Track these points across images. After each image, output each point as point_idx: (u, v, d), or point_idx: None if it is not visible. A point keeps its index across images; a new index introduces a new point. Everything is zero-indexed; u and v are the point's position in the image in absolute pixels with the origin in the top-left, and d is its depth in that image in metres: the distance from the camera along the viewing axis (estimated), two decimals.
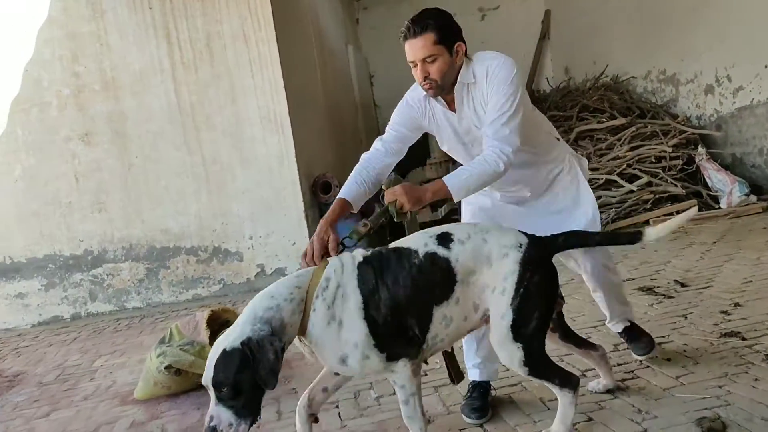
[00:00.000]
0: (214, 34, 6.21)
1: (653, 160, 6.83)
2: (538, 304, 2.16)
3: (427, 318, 2.13)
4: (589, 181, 6.95)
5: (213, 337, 3.44)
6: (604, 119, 7.49)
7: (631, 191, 6.51)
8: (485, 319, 2.22)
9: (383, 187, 2.59)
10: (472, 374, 2.71)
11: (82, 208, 6.32)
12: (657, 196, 6.50)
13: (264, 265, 6.28)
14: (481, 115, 2.41)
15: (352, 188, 2.46)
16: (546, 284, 2.20)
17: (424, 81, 2.39)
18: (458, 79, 2.41)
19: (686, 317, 3.36)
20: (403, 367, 2.12)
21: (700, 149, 6.84)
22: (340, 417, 2.85)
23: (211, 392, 1.98)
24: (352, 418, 2.81)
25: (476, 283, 2.17)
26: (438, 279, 2.13)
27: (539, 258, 2.20)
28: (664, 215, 6.23)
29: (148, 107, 6.27)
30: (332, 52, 8.78)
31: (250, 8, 6.15)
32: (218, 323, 3.55)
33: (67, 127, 6.31)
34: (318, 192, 6.48)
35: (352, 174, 2.50)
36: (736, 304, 3.40)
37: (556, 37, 10.61)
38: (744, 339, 2.90)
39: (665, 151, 6.78)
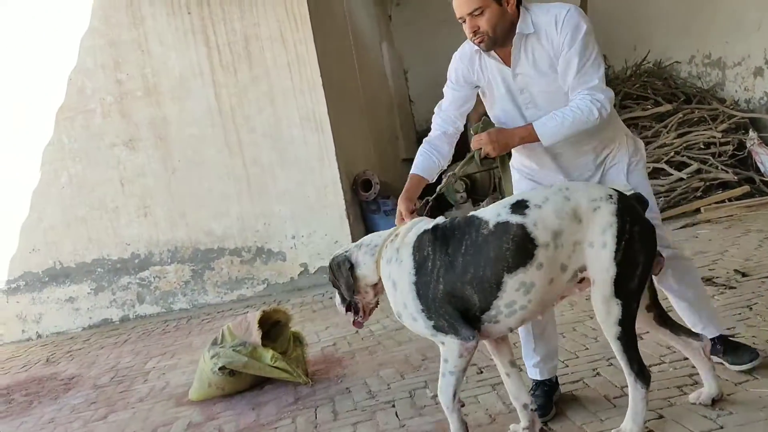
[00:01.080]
0: (252, 37, 6.23)
1: (702, 147, 6.63)
2: (640, 258, 2.07)
3: (495, 288, 2.09)
4: None
5: (265, 338, 3.45)
6: (649, 106, 7.29)
7: (681, 179, 6.33)
8: (577, 281, 2.13)
9: (471, 132, 2.47)
10: (532, 373, 2.63)
11: (128, 213, 6.42)
12: (707, 184, 6.31)
13: (307, 264, 6.28)
14: (543, 70, 2.30)
15: (422, 162, 2.49)
16: (647, 236, 2.10)
17: (475, 35, 2.31)
18: (516, 30, 2.29)
19: (751, 308, 3.23)
20: (452, 341, 2.13)
21: (751, 134, 6.61)
22: (397, 416, 2.81)
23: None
24: (410, 418, 2.77)
25: (565, 244, 2.06)
26: (511, 247, 2.07)
27: (635, 209, 2.11)
28: (716, 203, 6.05)
29: (190, 111, 6.33)
30: (367, 50, 8.75)
31: (287, 10, 6.15)
32: (269, 324, 3.55)
33: (112, 133, 6.41)
34: (359, 190, 6.46)
35: (420, 150, 2.52)
36: None
37: (594, 22, 10.35)
38: None
39: (714, 137, 6.58)
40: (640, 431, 2.13)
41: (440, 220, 2.28)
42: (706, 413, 2.25)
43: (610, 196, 2.09)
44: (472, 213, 2.24)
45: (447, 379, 2.17)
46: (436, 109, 2.57)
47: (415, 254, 2.18)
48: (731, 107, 7.03)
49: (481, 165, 2.42)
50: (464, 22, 2.31)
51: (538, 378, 2.61)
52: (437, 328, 2.14)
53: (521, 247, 2.07)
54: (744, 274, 3.81)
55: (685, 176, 6.34)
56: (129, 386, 4.09)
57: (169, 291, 6.43)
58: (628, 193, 2.16)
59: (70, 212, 6.47)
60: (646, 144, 6.90)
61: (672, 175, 6.44)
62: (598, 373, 2.79)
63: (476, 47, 2.36)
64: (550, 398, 2.55)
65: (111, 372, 4.53)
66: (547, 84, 2.33)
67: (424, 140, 2.56)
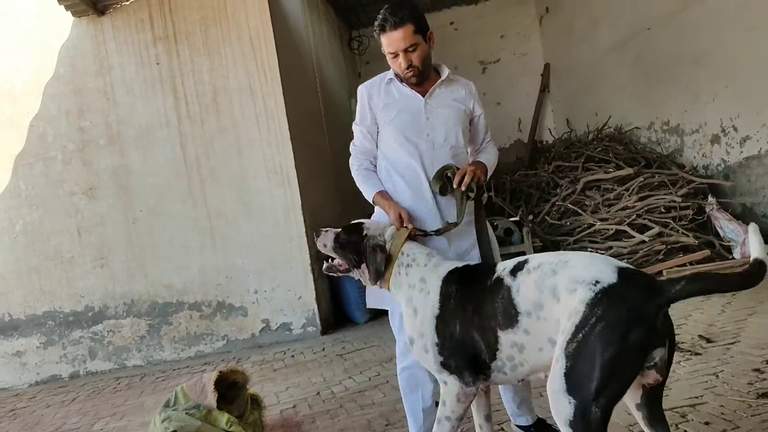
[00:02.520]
0: (221, 89, 6.22)
1: (663, 210, 6.76)
2: (599, 358, 1.77)
3: (494, 340, 2.10)
4: (598, 231, 6.95)
5: (221, 400, 3.29)
6: (611, 169, 7.45)
7: (643, 242, 6.41)
8: None
9: (448, 174, 2.57)
10: (520, 422, 2.77)
11: (83, 264, 6.21)
12: (669, 247, 6.40)
13: (269, 320, 6.12)
14: (451, 107, 2.67)
15: (377, 180, 2.71)
16: (616, 337, 1.77)
17: (408, 69, 2.58)
18: (443, 74, 2.68)
19: (717, 375, 3.21)
20: (453, 383, 2.18)
21: (710, 199, 6.77)
22: None
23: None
24: None
25: (549, 319, 1.95)
26: (500, 306, 2.07)
27: (619, 302, 1.80)
28: (678, 266, 6.12)
29: (154, 161, 6.23)
30: (336, 105, 8.82)
31: (257, 63, 6.17)
32: (226, 385, 3.39)
33: (71, 181, 6.26)
34: None
35: (365, 174, 2.72)
36: None
37: (556, 89, 10.71)
38: None
39: (675, 201, 6.72)
40: None
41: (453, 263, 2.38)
42: None
43: (596, 282, 1.85)
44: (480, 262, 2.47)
45: (443, 425, 2.22)
46: (353, 151, 2.78)
47: (443, 289, 2.25)
48: (690, 173, 7.22)
49: (475, 196, 2.57)
50: (395, 57, 2.58)
51: (526, 424, 2.76)
52: (445, 365, 2.21)
53: (507, 309, 2.04)
54: (708, 340, 3.82)
55: (647, 239, 6.43)
56: None
57: (123, 346, 6.18)
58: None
59: (23, 261, 6.23)
60: (609, 206, 7.05)
61: (634, 237, 6.53)
62: None
63: (391, 77, 2.69)
64: None
65: None
66: (449, 117, 2.66)
67: (358, 167, 2.74)
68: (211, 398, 3.24)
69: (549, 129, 10.57)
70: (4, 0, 6.31)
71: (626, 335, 1.77)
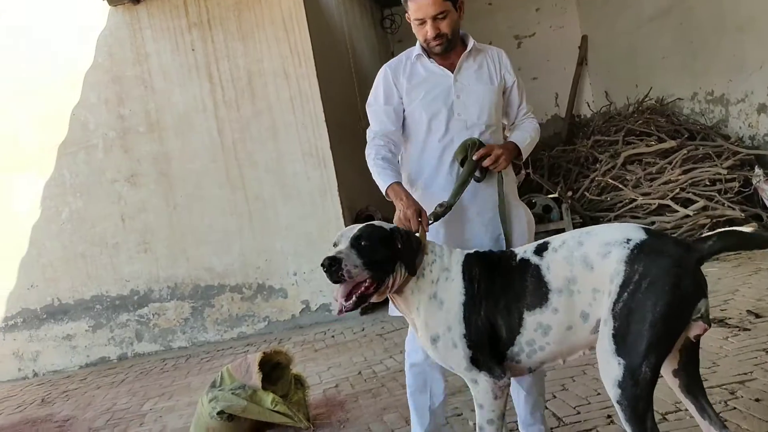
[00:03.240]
0: (255, 73, 6.24)
1: (707, 183, 6.57)
2: (650, 314, 1.80)
3: (517, 323, 2.06)
4: (640, 206, 6.80)
5: (265, 381, 3.35)
6: (653, 142, 7.26)
7: (687, 216, 6.26)
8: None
9: (469, 148, 2.44)
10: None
11: (128, 249, 6.35)
12: (714, 221, 6.22)
13: (309, 301, 6.19)
14: (483, 82, 2.51)
15: (395, 170, 2.46)
16: (666, 290, 1.80)
17: (436, 38, 2.43)
18: (469, 45, 2.52)
19: (767, 351, 3.13)
20: (485, 380, 2.07)
21: (757, 170, 6.55)
22: None
23: (344, 243, 2.14)
24: None
25: (583, 291, 1.96)
26: (529, 285, 2.05)
27: (657, 256, 1.84)
28: None
29: (192, 147, 6.31)
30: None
31: (291, 46, 6.17)
32: (270, 365, 3.45)
33: (113, 168, 6.38)
34: None
35: (381, 165, 2.45)
36: None
37: (594, 61, 10.45)
38: None
39: (720, 174, 6.52)
40: None
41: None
42: None
43: (628, 240, 1.91)
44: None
45: (486, 430, 2.09)
46: (369, 138, 2.58)
47: (465, 274, 2.14)
48: (736, 144, 6.99)
49: (480, 178, 2.45)
50: (422, 23, 2.43)
51: None
52: (474, 361, 2.08)
53: (537, 288, 2.03)
54: (758, 315, 3.72)
55: (691, 213, 6.27)
56: (125, 430, 3.96)
57: (168, 328, 6.33)
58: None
59: (70, 248, 6.40)
60: (651, 180, 6.88)
61: (678, 212, 6.37)
62: (612, 421, 2.69)
63: (418, 53, 2.52)
64: None
65: (107, 414, 4.40)
66: (480, 93, 2.50)
67: (375, 156, 2.49)
68: (256, 378, 3.31)
69: (587, 103, 10.35)
70: None
71: (676, 285, 1.82)
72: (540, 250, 2.09)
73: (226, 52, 6.27)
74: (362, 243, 2.11)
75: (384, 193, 2.43)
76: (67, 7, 6.36)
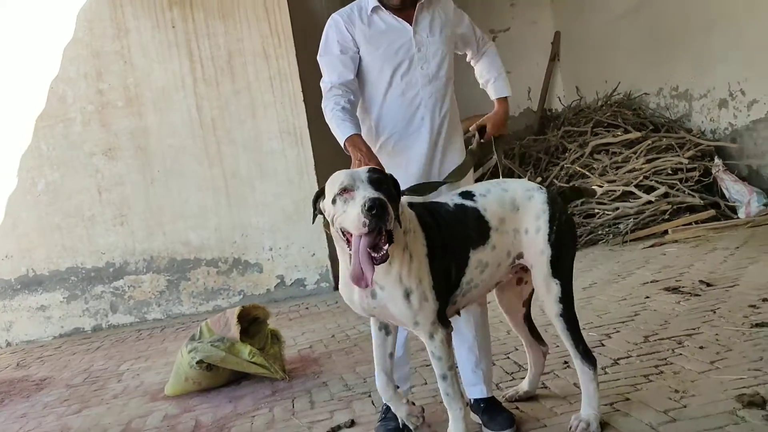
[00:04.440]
0: (236, 52, 6.35)
1: (670, 172, 6.86)
2: (570, 242, 2.30)
3: (464, 262, 2.17)
4: (606, 193, 7.07)
5: (243, 334, 3.48)
6: (619, 133, 7.54)
7: (649, 202, 6.53)
8: (514, 269, 2.31)
9: (476, 126, 2.59)
10: (474, 393, 2.53)
11: (104, 221, 6.40)
12: (675, 207, 6.51)
13: (284, 276, 6.32)
14: (437, 33, 2.51)
15: (355, 122, 2.35)
16: (572, 223, 2.36)
17: None
18: None
19: (715, 311, 3.37)
20: (441, 331, 2.09)
21: (717, 161, 6.86)
22: (374, 404, 2.86)
23: (365, 187, 1.89)
24: None
25: (507, 230, 2.24)
26: (473, 225, 2.20)
27: (558, 199, 2.32)
28: (683, 225, 6.25)
29: (171, 123, 6.39)
30: None
31: (271, 26, 6.29)
32: (248, 320, 3.59)
33: (91, 142, 6.43)
34: None
35: (340, 116, 2.32)
36: (765, 300, 3.40)
37: (566, 57, 10.73)
38: None
39: (681, 163, 6.82)
40: (597, 414, 2.21)
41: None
42: (671, 395, 2.35)
43: (540, 187, 2.32)
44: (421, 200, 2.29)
45: (449, 378, 2.10)
46: (326, 89, 2.44)
47: (422, 224, 2.12)
48: (697, 136, 7.30)
49: (475, 153, 2.56)
50: None
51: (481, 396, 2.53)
52: (439, 313, 2.07)
53: (480, 227, 2.20)
54: (708, 284, 3.96)
55: (653, 199, 6.55)
56: (103, 386, 4.06)
57: (144, 300, 6.40)
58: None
59: (46, 219, 6.43)
60: (617, 168, 7.15)
61: (641, 198, 6.64)
62: (567, 366, 2.89)
63: (375, 5, 2.47)
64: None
65: (84, 374, 4.48)
66: (437, 44, 2.51)
67: (333, 107, 2.35)
68: (234, 331, 3.44)
69: (558, 97, 10.62)
70: None
71: (573, 221, 2.41)
72: (469, 196, 2.25)
73: (206, 30, 6.36)
74: (385, 188, 1.94)
75: (342, 146, 2.32)
76: None
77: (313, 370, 3.59)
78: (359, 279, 1.87)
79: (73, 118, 6.45)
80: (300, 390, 3.24)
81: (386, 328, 2.26)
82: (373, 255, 1.86)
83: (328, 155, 6.80)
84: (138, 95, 6.43)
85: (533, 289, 2.44)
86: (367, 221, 1.81)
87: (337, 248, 2.09)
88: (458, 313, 2.31)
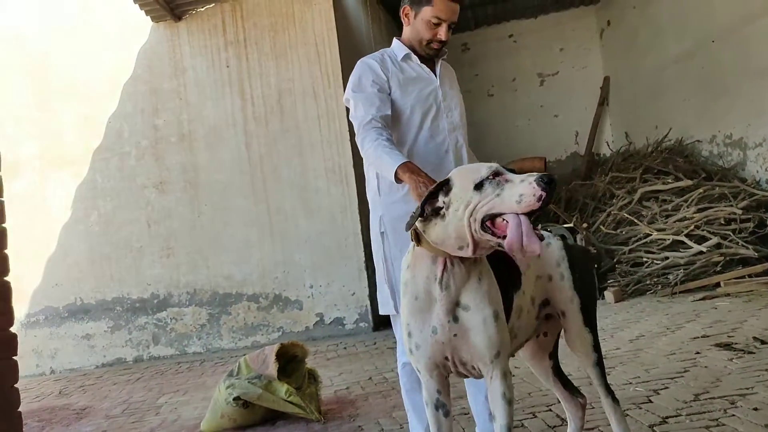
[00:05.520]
0: (286, 91, 6.51)
1: (723, 222, 6.63)
2: (593, 289, 2.28)
3: (509, 306, 2.05)
4: (654, 241, 6.91)
5: (281, 372, 3.47)
6: (670, 180, 7.37)
7: (701, 252, 6.32)
8: (543, 318, 2.26)
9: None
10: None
11: (151, 253, 6.55)
12: (728, 259, 6.28)
13: (323, 314, 6.31)
14: (453, 88, 2.64)
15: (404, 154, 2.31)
16: (592, 271, 2.40)
17: (441, 42, 2.52)
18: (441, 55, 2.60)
19: None
20: (509, 372, 1.95)
21: None
22: None
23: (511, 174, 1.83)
24: None
25: (531, 276, 2.18)
26: (510, 268, 2.11)
27: (575, 246, 2.38)
28: (736, 278, 6.02)
29: (220, 159, 6.55)
30: None
31: (321, 67, 6.44)
32: (286, 358, 3.58)
33: (143, 175, 6.63)
34: None
35: (387, 146, 2.27)
36: None
37: (615, 102, 10.64)
38: None
39: (735, 213, 6.59)
40: None
41: None
42: None
43: (553, 235, 2.30)
44: None
45: (511, 409, 1.94)
46: (363, 122, 2.38)
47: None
48: (752, 186, 7.08)
49: None
50: (438, 25, 2.48)
51: None
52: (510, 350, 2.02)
53: (514, 272, 2.12)
54: (763, 342, 3.78)
55: (705, 249, 6.34)
56: (140, 417, 4.08)
57: (185, 333, 6.47)
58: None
59: (96, 250, 6.62)
60: (666, 216, 6.97)
61: (692, 248, 6.44)
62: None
63: (407, 52, 2.55)
64: None
65: (123, 405, 4.53)
66: (456, 98, 2.63)
67: (377, 138, 2.30)
68: (272, 369, 3.43)
69: (607, 142, 10.50)
70: (88, 4, 6.78)
71: (592, 265, 2.34)
72: None
73: (259, 70, 6.55)
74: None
75: (392, 174, 2.18)
76: (113, 19, 6.72)
77: (349, 412, 3.54)
78: (529, 245, 1.72)
79: (128, 152, 6.68)
80: None
81: (444, 408, 2.03)
82: (535, 230, 1.74)
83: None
84: (191, 131, 6.63)
85: (557, 341, 2.43)
86: (544, 194, 1.71)
87: (415, 261, 1.93)
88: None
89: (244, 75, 6.60)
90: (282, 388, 3.40)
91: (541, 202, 1.71)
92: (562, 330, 2.30)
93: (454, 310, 1.89)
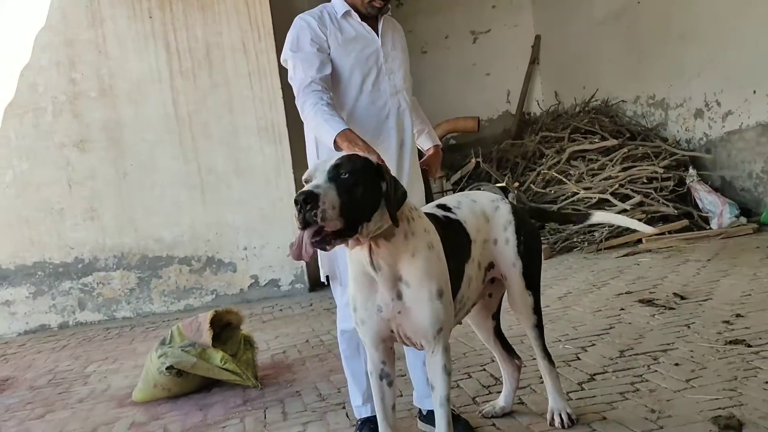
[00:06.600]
0: (214, 45, 6.24)
1: (645, 181, 6.92)
2: (538, 252, 2.36)
3: (460, 277, 2.13)
4: (582, 200, 7.15)
5: (215, 339, 3.41)
6: (596, 140, 7.59)
7: (624, 210, 6.57)
8: (488, 281, 2.34)
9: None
10: (428, 404, 2.47)
11: (74, 216, 6.25)
12: (649, 216, 6.56)
13: (258, 276, 6.24)
14: (398, 48, 2.53)
15: (344, 120, 2.26)
16: (538, 235, 2.43)
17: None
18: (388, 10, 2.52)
19: (689, 326, 3.38)
20: (449, 344, 2.00)
21: (691, 171, 6.94)
22: (348, 417, 2.82)
23: (321, 177, 1.76)
24: None
25: (479, 241, 2.24)
26: (462, 238, 2.18)
27: (520, 209, 2.40)
28: (657, 234, 6.30)
29: (146, 115, 6.25)
30: None
31: (251, 20, 6.19)
32: (220, 325, 3.51)
33: (62, 133, 6.26)
34: None
35: (326, 110, 2.22)
36: (738, 315, 3.43)
37: (546, 61, 10.77)
38: (749, 346, 2.92)
39: (657, 172, 6.88)
40: (566, 403, 2.39)
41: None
42: (647, 416, 2.35)
43: (503, 198, 2.39)
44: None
45: (448, 381, 2.00)
46: (303, 85, 2.31)
47: (438, 232, 2.02)
48: (673, 145, 7.38)
49: None
50: None
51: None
52: (454, 323, 2.07)
53: (466, 241, 2.19)
54: (682, 297, 3.99)
55: (628, 208, 6.59)
56: (68, 388, 3.95)
57: (113, 298, 6.26)
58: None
59: (12, 212, 6.25)
60: (593, 176, 7.19)
61: (616, 206, 6.69)
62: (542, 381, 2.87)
63: (347, 9, 2.43)
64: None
65: (49, 375, 4.36)
66: (400, 59, 2.53)
67: (317, 102, 2.24)
68: (206, 337, 3.37)
69: (537, 101, 10.66)
70: None
71: (538, 229, 2.48)
72: (446, 209, 2.22)
73: (184, 21, 6.24)
74: (343, 176, 1.76)
75: (332, 142, 2.15)
76: None
77: (286, 377, 3.53)
78: (299, 256, 1.73)
79: (44, 108, 6.28)
80: (272, 399, 3.18)
81: (388, 378, 2.07)
82: (304, 241, 1.71)
83: (306, 155, 6.73)
84: (112, 86, 6.29)
85: (500, 302, 2.51)
86: (296, 215, 1.69)
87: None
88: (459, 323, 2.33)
89: (168, 27, 6.26)
90: (217, 356, 3.34)
91: (300, 223, 1.70)
92: (506, 291, 2.38)
93: (397, 285, 1.92)
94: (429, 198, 2.58)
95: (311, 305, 5.55)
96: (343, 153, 1.96)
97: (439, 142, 2.74)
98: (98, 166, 6.26)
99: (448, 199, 2.33)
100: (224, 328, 3.54)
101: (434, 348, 1.96)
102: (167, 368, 3.29)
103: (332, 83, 2.39)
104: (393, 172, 2.25)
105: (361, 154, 1.93)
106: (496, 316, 2.55)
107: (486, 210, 2.28)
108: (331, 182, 1.74)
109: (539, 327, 2.36)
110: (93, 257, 6.26)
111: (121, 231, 6.25)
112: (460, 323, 2.39)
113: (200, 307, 6.19)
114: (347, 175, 1.76)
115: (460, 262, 2.13)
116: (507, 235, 2.27)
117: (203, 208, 6.25)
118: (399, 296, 1.92)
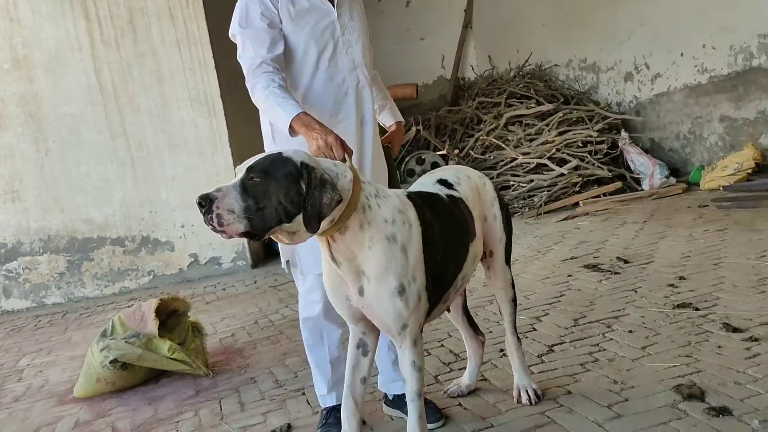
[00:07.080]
0: (137, 11, 5.86)
1: (580, 145, 7.05)
2: (509, 229, 2.37)
3: (463, 257, 2.13)
4: (520, 165, 7.25)
5: (162, 328, 3.25)
6: (532, 105, 7.66)
7: (562, 174, 6.69)
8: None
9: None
10: (395, 389, 2.45)
11: None
12: (585, 179, 6.71)
13: (197, 255, 6.02)
14: (357, 20, 2.37)
15: (299, 103, 2.16)
16: (508, 209, 2.45)
17: None
18: None
19: (636, 291, 3.47)
20: (420, 339, 1.94)
21: (623, 134, 7.11)
22: (309, 404, 2.74)
23: (237, 176, 1.74)
24: None
25: (477, 217, 2.24)
26: (468, 218, 2.16)
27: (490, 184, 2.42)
28: (593, 197, 6.46)
29: (66, 88, 5.85)
30: None
31: None
32: (166, 313, 3.35)
33: None
34: None
35: (279, 94, 2.13)
36: (681, 278, 3.54)
37: (479, 25, 10.74)
38: (697, 309, 3.01)
39: (591, 136, 7.01)
40: (531, 379, 2.43)
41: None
42: (610, 387, 2.38)
43: (480, 174, 2.39)
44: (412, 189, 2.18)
45: (420, 378, 1.94)
46: (253, 65, 2.19)
47: (420, 218, 1.91)
48: (605, 109, 7.53)
49: None
50: None
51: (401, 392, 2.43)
52: (427, 317, 1.96)
53: (470, 219, 2.17)
54: (626, 261, 4.09)
55: (565, 172, 6.71)
56: (1, 385, 3.70)
57: (41, 284, 5.91)
58: None
59: None
60: (530, 141, 7.27)
61: (554, 170, 6.80)
62: (504, 354, 2.88)
63: None
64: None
65: None
66: (359, 31, 2.37)
67: (268, 85, 2.14)
68: (151, 326, 3.20)
69: (471, 66, 10.64)
70: None
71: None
72: (448, 185, 2.19)
73: None
74: (254, 179, 1.72)
75: (287, 127, 2.08)
76: None
77: (238, 363, 3.41)
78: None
79: None
80: (226, 388, 3.07)
81: (365, 347, 2.03)
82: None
83: (244, 126, 6.48)
84: (27, 57, 5.83)
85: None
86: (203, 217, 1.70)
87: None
88: (448, 310, 2.33)
89: None
90: (164, 346, 3.18)
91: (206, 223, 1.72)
92: (485, 267, 2.38)
93: (360, 279, 1.86)
94: (393, 177, 2.48)
95: (255, 282, 5.41)
96: (271, 152, 1.84)
97: (402, 118, 2.63)
98: (16, 144, 5.83)
99: (447, 174, 2.27)
100: (170, 316, 3.38)
101: (401, 343, 1.92)
102: (111, 362, 3.11)
103: (286, 60, 2.25)
104: (354, 152, 2.19)
105: (287, 154, 1.79)
106: (463, 294, 2.54)
107: (478, 186, 2.29)
108: (240, 185, 1.71)
109: (515, 302, 2.40)
110: (17, 241, 5.87)
111: (46, 212, 5.88)
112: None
113: (137, 289, 5.94)
114: (258, 179, 1.72)
115: (464, 242, 2.13)
116: (494, 211, 2.30)
117: (135, 185, 5.94)
118: (361, 292, 1.87)
